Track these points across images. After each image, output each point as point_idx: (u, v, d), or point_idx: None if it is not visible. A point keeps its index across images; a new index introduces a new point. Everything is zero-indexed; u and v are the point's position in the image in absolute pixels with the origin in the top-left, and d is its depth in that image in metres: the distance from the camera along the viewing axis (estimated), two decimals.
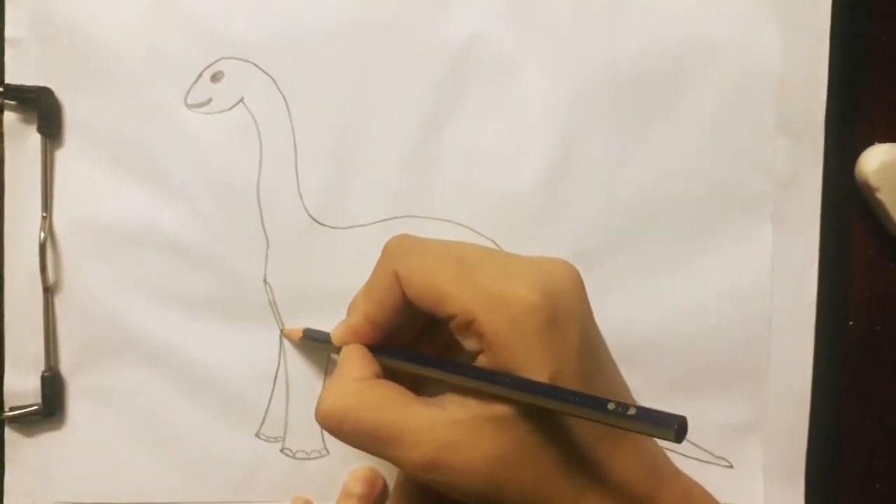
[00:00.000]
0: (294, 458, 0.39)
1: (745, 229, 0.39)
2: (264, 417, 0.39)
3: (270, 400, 0.39)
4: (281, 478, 0.39)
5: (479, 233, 0.39)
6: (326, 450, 0.39)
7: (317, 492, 0.39)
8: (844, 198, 0.39)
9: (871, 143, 0.39)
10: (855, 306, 0.40)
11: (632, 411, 0.24)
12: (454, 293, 0.29)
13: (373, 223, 0.39)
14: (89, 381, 0.39)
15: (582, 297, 0.30)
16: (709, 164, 0.39)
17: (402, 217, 0.39)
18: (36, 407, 0.38)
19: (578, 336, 0.28)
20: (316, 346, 0.38)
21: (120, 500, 0.39)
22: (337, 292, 0.38)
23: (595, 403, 0.25)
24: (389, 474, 0.39)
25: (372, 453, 0.30)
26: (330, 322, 0.38)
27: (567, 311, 0.29)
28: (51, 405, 0.38)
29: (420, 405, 0.29)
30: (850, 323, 0.40)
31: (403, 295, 0.30)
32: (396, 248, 0.32)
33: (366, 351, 0.32)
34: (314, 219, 0.39)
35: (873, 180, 0.38)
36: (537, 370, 0.27)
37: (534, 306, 0.28)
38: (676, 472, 0.31)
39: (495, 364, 0.28)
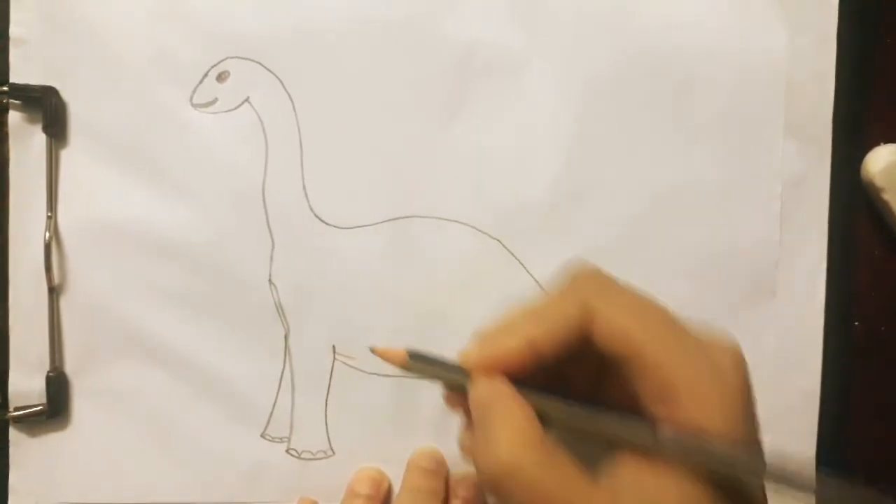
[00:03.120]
0: (299, 458, 0.39)
1: (754, 230, 0.39)
2: (269, 418, 0.39)
3: (276, 400, 0.39)
4: (286, 478, 0.39)
5: (485, 233, 0.38)
6: (332, 450, 0.39)
7: (322, 492, 0.39)
8: (850, 198, 0.39)
9: (877, 144, 0.39)
10: (861, 306, 0.40)
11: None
12: (659, 347, 0.26)
13: (378, 223, 0.39)
14: (94, 382, 0.39)
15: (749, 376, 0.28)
16: (717, 164, 0.39)
17: (407, 217, 0.39)
18: (41, 407, 0.38)
19: (756, 416, 0.27)
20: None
21: (124, 501, 0.39)
22: (342, 293, 0.38)
23: (802, 482, 0.25)
24: (395, 475, 0.39)
25: None
26: (334, 322, 0.38)
27: (751, 387, 0.27)
28: (56, 405, 0.38)
29: (594, 487, 0.25)
30: (856, 323, 0.40)
31: (581, 330, 0.26)
32: (590, 279, 0.28)
33: (517, 393, 0.27)
34: (320, 219, 0.39)
35: (879, 181, 0.38)
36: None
37: (742, 379, 0.26)
38: None
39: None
